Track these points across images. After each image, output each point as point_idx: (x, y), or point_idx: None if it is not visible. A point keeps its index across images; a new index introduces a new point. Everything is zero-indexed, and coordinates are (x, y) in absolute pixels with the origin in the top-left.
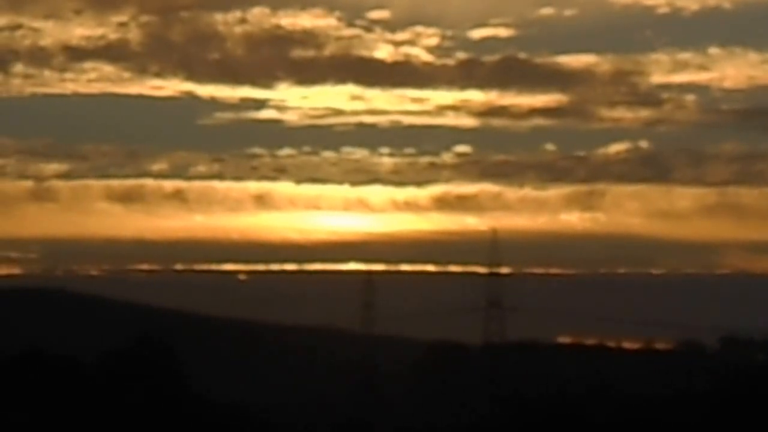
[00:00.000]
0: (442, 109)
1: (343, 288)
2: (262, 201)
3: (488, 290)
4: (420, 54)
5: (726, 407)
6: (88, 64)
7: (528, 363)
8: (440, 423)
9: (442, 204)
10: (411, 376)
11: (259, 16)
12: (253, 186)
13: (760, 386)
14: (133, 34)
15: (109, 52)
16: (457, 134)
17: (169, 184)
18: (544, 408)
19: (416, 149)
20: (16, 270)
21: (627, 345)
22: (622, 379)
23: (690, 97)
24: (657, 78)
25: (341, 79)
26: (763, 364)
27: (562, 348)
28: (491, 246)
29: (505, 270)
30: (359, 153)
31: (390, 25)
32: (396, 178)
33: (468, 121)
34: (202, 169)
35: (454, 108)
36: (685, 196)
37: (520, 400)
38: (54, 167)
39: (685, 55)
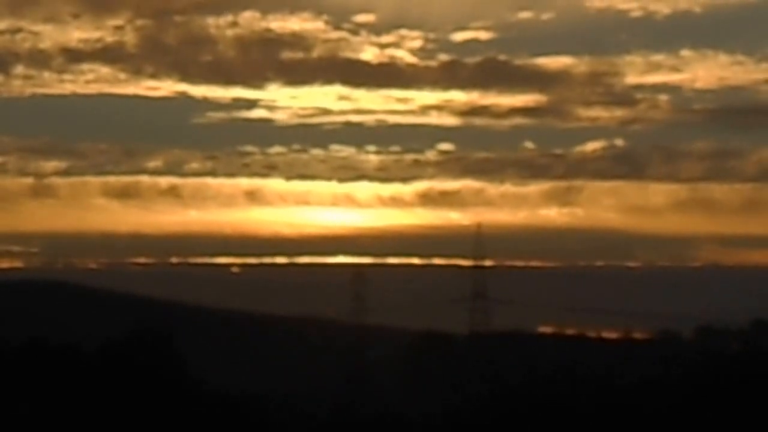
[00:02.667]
0: (425, 109)
1: (331, 280)
2: (253, 197)
3: (473, 282)
4: (404, 56)
5: (701, 394)
6: (85, 66)
7: (511, 352)
8: (428, 409)
9: (426, 199)
10: (400, 364)
11: (249, 19)
12: (245, 182)
13: (734, 374)
14: (129, 37)
15: (106, 54)
16: (440, 133)
17: (164, 181)
18: (526, 394)
19: (401, 147)
20: (17, 263)
21: (606, 334)
22: (602, 367)
23: (663, 97)
24: (631, 79)
25: (329, 79)
26: (736, 353)
27: (544, 337)
28: (476, 240)
29: (488, 263)
30: (346, 151)
31: (375, 28)
32: (382, 175)
33: (450, 120)
34: (195, 166)
35: (438, 107)
36: (659, 192)
37: (504, 387)
38: (53, 165)
39: (658, 57)
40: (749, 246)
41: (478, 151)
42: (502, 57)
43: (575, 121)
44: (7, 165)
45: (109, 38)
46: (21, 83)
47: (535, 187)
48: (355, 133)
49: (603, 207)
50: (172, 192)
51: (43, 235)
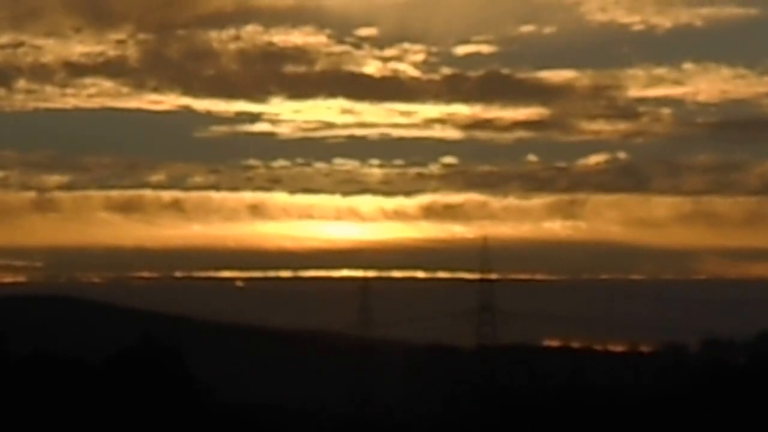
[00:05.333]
0: (429, 122)
1: (336, 293)
2: (257, 210)
3: (479, 295)
4: (407, 69)
5: (708, 406)
6: (88, 80)
7: (517, 364)
8: (434, 421)
9: (430, 213)
10: (406, 377)
11: (252, 33)
12: (249, 196)
13: (740, 386)
14: (131, 51)
15: (108, 68)
16: (444, 146)
17: (167, 195)
18: (533, 407)
19: (404, 160)
20: (21, 278)
21: (612, 347)
22: (608, 379)
23: (666, 111)
24: (634, 92)
25: (332, 93)
26: (743, 365)
27: (550, 350)
28: (482, 253)
29: (493, 276)
30: (350, 164)
31: (378, 42)
32: (385, 188)
33: (454, 134)
34: (198, 180)
35: (441, 121)
36: (662, 205)
37: (510, 399)
38: (56, 179)
39: (660, 71)
40: (753, 259)
41: (481, 164)
42: (504, 70)
43: (578, 134)
44: (9, 179)
45: (112, 52)
46: (23, 97)
47: (538, 201)
48: (359, 147)
49: (606, 220)
50: (176, 206)
51: (46, 249)
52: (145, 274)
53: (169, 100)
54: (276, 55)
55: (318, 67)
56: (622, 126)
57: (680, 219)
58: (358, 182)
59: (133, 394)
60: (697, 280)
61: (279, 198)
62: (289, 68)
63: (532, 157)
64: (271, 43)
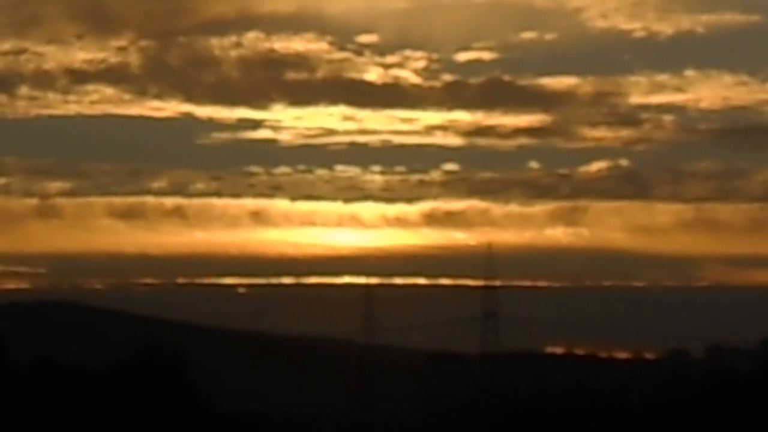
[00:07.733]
0: (430, 129)
1: (337, 300)
2: (258, 217)
3: (483, 302)
4: (408, 76)
5: (713, 413)
6: (90, 87)
7: (521, 371)
8: (438, 429)
9: (432, 220)
10: (410, 384)
11: (253, 40)
12: (250, 203)
13: (745, 392)
14: (133, 58)
15: (110, 75)
16: (445, 153)
17: (169, 201)
18: (537, 414)
19: (406, 167)
20: (24, 284)
21: (615, 354)
22: (612, 387)
23: (668, 117)
24: (636, 99)
25: (333, 100)
26: (747, 372)
27: (554, 357)
28: (487, 260)
29: (497, 283)
30: (351, 171)
31: (379, 49)
32: (387, 195)
33: (455, 140)
34: (200, 186)
35: (442, 128)
36: (664, 212)
37: (514, 406)
38: (58, 185)
39: (662, 77)
40: (756, 265)
41: (483, 171)
42: (506, 77)
43: (580, 141)
44: (12, 186)
45: (113, 59)
46: (25, 104)
47: (540, 207)
48: (360, 154)
49: (608, 227)
50: (178, 212)
51: (48, 256)
52: (148, 280)
53: (171, 107)
54: (277, 62)
55: (319, 73)
56: (624, 133)
57: (683, 226)
58: (360, 189)
59: (136, 400)
60: (701, 286)
61: (281, 205)
62: (291, 75)
63: (533, 164)
64: (272, 50)
